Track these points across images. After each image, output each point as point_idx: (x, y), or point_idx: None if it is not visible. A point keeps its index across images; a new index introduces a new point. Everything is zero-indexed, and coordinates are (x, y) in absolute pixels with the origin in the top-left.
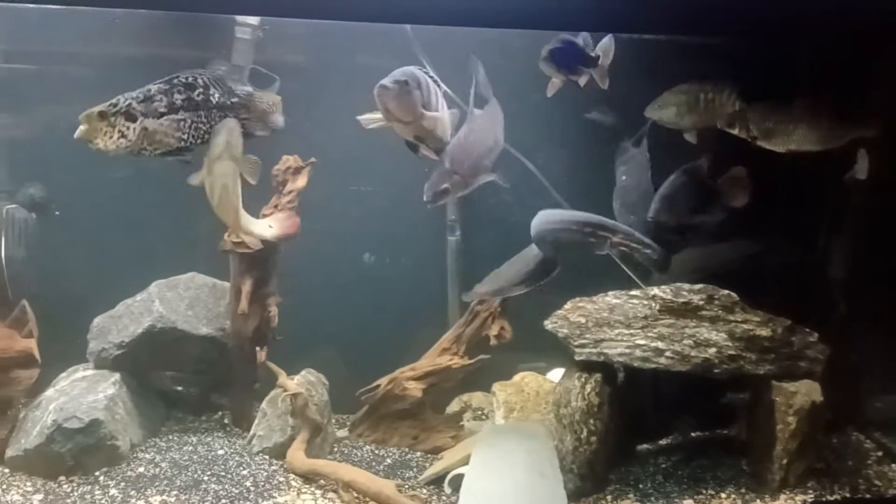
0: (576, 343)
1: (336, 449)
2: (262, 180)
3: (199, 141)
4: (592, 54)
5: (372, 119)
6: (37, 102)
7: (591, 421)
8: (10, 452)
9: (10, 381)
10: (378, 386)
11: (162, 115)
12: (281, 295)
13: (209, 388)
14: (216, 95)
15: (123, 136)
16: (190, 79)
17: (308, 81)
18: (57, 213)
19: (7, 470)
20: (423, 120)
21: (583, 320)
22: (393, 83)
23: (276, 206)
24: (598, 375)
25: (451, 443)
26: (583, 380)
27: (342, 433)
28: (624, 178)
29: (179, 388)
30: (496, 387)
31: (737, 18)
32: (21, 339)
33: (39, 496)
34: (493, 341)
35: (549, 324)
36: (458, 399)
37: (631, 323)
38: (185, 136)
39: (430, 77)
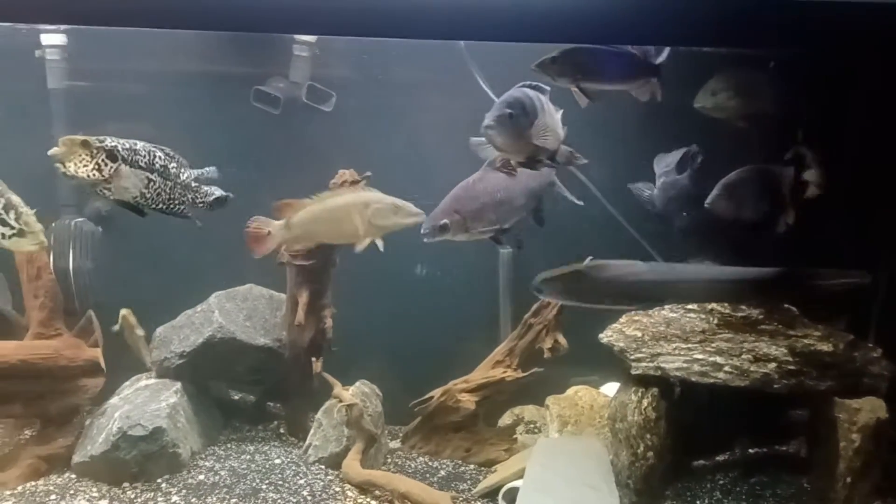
0: (632, 357)
1: (389, 460)
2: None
3: (154, 206)
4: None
5: (483, 146)
6: (103, 119)
7: (648, 436)
8: (76, 458)
9: (77, 390)
10: (431, 398)
11: (139, 168)
12: (335, 307)
13: (265, 397)
14: (185, 175)
15: (98, 169)
16: (171, 153)
17: (365, 95)
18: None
19: (74, 476)
20: (532, 140)
21: (639, 334)
22: (496, 120)
23: None
24: (654, 390)
25: (505, 456)
26: (639, 394)
27: (395, 444)
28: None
29: (236, 398)
30: (550, 400)
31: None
32: (87, 349)
33: (104, 502)
34: (547, 354)
35: (604, 337)
36: (509, 412)
37: (688, 337)
38: (148, 196)
39: (534, 87)
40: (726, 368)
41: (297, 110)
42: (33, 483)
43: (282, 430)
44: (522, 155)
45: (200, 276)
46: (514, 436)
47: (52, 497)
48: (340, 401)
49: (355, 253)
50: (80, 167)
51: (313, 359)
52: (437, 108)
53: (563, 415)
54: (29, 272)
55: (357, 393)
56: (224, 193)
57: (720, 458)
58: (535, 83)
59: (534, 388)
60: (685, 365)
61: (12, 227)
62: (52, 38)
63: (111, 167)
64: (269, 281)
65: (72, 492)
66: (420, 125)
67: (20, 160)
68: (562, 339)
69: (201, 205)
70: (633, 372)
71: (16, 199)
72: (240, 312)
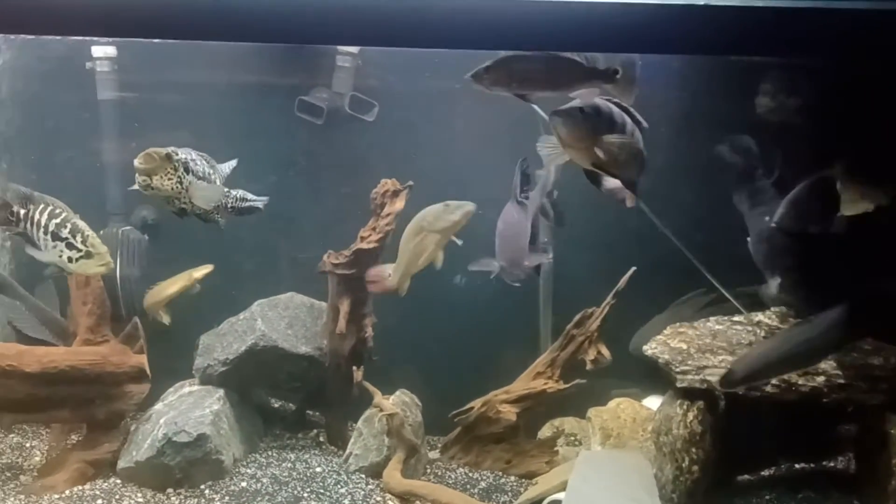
0: (677, 369)
1: (429, 470)
2: (362, 202)
3: (198, 213)
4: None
5: (550, 147)
6: (147, 129)
7: (693, 449)
8: (121, 464)
9: (123, 395)
10: (471, 408)
11: (198, 178)
12: (376, 316)
13: (305, 405)
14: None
15: (180, 182)
16: (211, 160)
17: (407, 106)
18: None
19: (119, 481)
20: (600, 145)
21: (684, 346)
22: (565, 111)
23: (373, 228)
24: (700, 403)
25: (546, 468)
26: (685, 407)
27: (434, 455)
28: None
29: (276, 405)
30: (592, 412)
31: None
32: (133, 355)
33: None
34: (589, 366)
35: (648, 349)
36: (549, 424)
37: (735, 349)
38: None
39: (616, 104)
40: (774, 381)
41: (340, 120)
42: (80, 487)
43: (321, 439)
44: (586, 160)
45: (243, 284)
46: (555, 448)
47: (99, 502)
48: (381, 410)
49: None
50: (165, 181)
51: (354, 368)
52: (478, 118)
53: (606, 427)
54: (77, 279)
55: (397, 402)
56: (254, 201)
57: (766, 473)
58: (619, 102)
59: (573, 399)
60: None
61: (79, 250)
62: (103, 50)
63: (187, 181)
64: (310, 289)
65: (117, 497)
66: (461, 134)
67: (70, 170)
68: (605, 351)
69: (231, 210)
70: (679, 384)
71: (81, 223)
72: (281, 320)
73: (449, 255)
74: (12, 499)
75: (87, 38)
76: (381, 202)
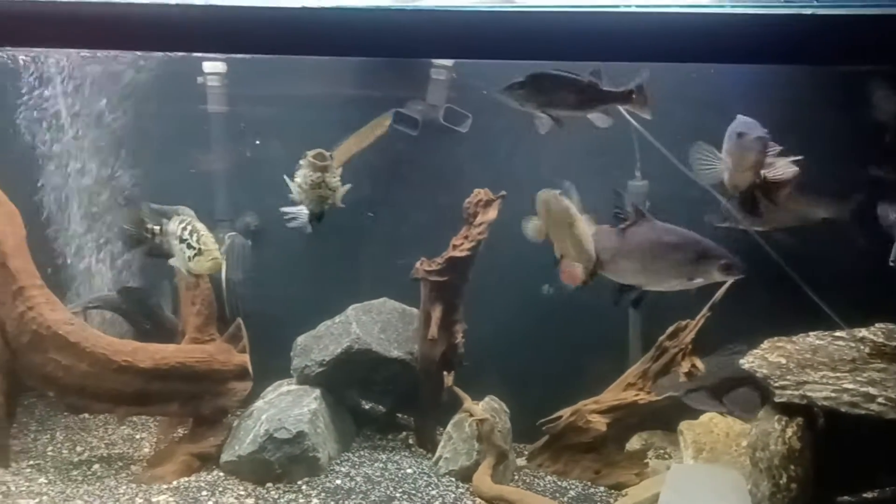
0: (776, 384)
1: (517, 477)
2: (455, 211)
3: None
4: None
5: (709, 164)
6: (252, 140)
7: (792, 467)
8: (224, 457)
9: (227, 392)
10: (560, 417)
11: None
12: (466, 322)
13: (395, 408)
14: None
15: (338, 181)
16: None
17: (502, 117)
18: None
19: (222, 474)
20: (765, 169)
21: (783, 361)
22: (757, 138)
23: (466, 237)
24: (799, 419)
25: (635, 480)
26: (783, 423)
27: (521, 462)
28: None
29: (367, 407)
30: (684, 426)
31: None
32: (237, 354)
33: (251, 500)
34: (683, 378)
35: (745, 363)
36: (638, 436)
37: (837, 366)
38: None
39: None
40: (879, 400)
41: (434, 132)
42: (186, 479)
43: (410, 441)
44: (747, 180)
45: (338, 289)
46: (646, 460)
47: (204, 493)
48: (471, 415)
49: (487, 271)
50: (333, 180)
51: (444, 373)
52: (569, 128)
53: (698, 441)
54: (187, 282)
55: (487, 408)
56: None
57: (868, 495)
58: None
59: (661, 412)
60: (834, 395)
61: (194, 248)
62: (214, 65)
63: (338, 179)
64: (403, 295)
65: (221, 489)
66: (554, 146)
67: (183, 179)
68: (699, 364)
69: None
70: (777, 400)
71: (199, 224)
72: (375, 325)
73: (536, 265)
74: (124, 487)
75: (199, 54)
76: (474, 211)
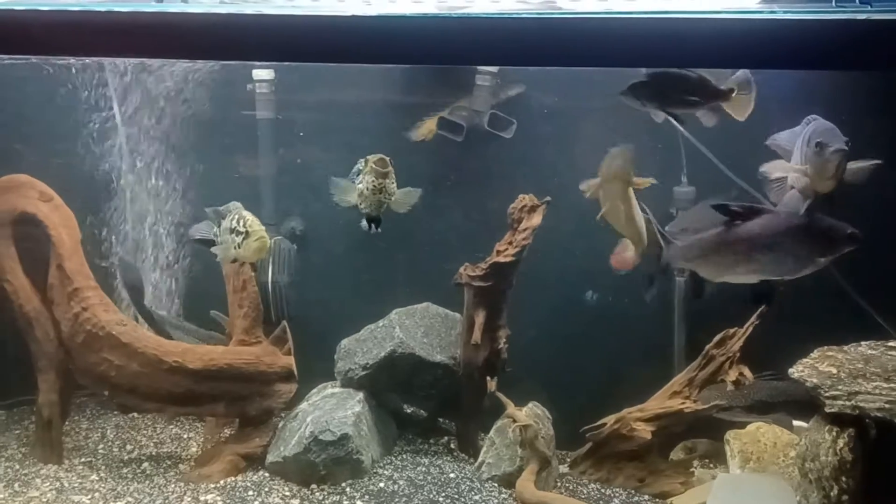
0: (827, 394)
1: (559, 484)
2: (500, 217)
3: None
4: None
5: (782, 171)
6: (297, 145)
7: (843, 478)
8: (270, 458)
9: (273, 394)
10: (604, 424)
11: None
12: (509, 328)
13: (437, 412)
14: None
15: (394, 184)
16: None
17: (547, 123)
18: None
19: (267, 474)
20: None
21: (834, 370)
22: (840, 147)
23: (510, 242)
24: (851, 430)
25: (680, 489)
26: (834, 433)
27: (563, 469)
28: None
29: (409, 411)
30: (730, 435)
31: None
32: (283, 356)
33: (296, 501)
34: (730, 387)
35: (794, 372)
36: (682, 445)
37: (890, 376)
38: None
39: None
40: None
41: (479, 137)
42: (232, 478)
43: (452, 446)
44: (827, 186)
45: (382, 293)
46: (691, 469)
47: (250, 493)
48: (514, 420)
49: (532, 276)
50: (391, 185)
51: (487, 378)
52: (613, 133)
53: (745, 451)
54: (235, 284)
55: (530, 414)
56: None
57: None
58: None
59: (707, 421)
60: (888, 406)
61: (240, 233)
62: (263, 73)
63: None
64: (446, 300)
65: (266, 489)
66: (597, 150)
67: (231, 184)
68: (747, 373)
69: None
70: (828, 410)
71: (245, 212)
72: (418, 329)
73: (581, 271)
74: (173, 485)
75: (250, 62)
76: (519, 217)
